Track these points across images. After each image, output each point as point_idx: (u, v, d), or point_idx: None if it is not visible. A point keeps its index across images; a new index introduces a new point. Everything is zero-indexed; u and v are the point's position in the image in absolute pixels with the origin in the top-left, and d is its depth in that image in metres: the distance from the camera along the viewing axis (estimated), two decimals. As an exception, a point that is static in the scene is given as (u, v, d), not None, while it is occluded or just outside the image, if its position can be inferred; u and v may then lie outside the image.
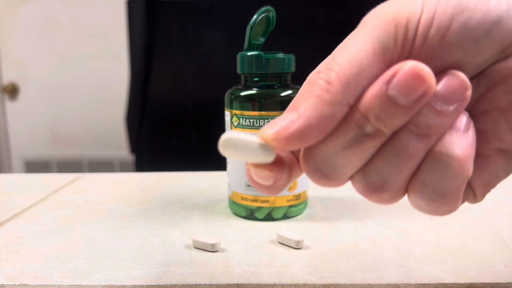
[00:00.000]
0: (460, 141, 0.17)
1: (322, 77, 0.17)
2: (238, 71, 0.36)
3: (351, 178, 0.19)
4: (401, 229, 0.35)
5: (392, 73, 0.16)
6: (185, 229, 0.35)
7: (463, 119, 0.18)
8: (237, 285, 0.26)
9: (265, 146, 0.19)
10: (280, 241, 0.32)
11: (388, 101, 0.16)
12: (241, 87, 0.36)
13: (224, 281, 0.27)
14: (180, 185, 0.48)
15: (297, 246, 0.31)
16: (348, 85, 0.17)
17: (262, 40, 0.36)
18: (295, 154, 0.21)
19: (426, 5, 0.17)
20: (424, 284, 0.26)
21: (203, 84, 0.64)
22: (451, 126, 0.17)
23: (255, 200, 0.36)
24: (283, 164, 0.20)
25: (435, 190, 0.18)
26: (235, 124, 0.36)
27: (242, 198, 0.37)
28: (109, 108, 1.59)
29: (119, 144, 1.49)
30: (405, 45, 0.17)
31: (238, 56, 0.36)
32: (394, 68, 0.17)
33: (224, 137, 0.19)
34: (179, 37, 0.63)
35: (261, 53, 0.34)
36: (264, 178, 0.19)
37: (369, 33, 0.17)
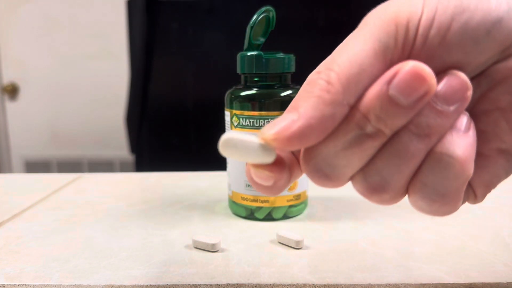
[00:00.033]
0: (461, 142, 0.17)
1: (322, 77, 0.17)
2: (238, 71, 0.36)
3: (351, 178, 0.19)
4: (401, 229, 0.35)
5: (393, 73, 0.16)
6: (185, 229, 0.35)
7: (463, 119, 0.18)
8: (237, 285, 0.26)
9: (265, 147, 0.18)
10: (280, 241, 0.32)
11: (388, 101, 0.16)
12: (241, 87, 0.36)
13: (224, 281, 0.27)
14: (180, 185, 0.48)
15: (297, 246, 0.31)
16: (349, 85, 0.17)
17: (262, 40, 0.36)
18: (295, 154, 0.21)
19: (426, 5, 0.17)
20: (424, 284, 0.26)
21: (203, 84, 0.64)
22: (451, 126, 0.17)
23: (255, 200, 0.36)
24: (283, 165, 0.20)
25: (436, 190, 0.18)
26: (235, 124, 0.36)
27: (242, 198, 0.37)
28: (109, 108, 1.59)
29: (119, 144, 1.49)
30: (405, 45, 0.17)
31: (238, 56, 0.36)
32: (394, 68, 0.17)
33: (224, 137, 0.19)
34: (179, 37, 0.64)
35: (261, 53, 0.34)
36: (264, 178, 0.19)
37: (369, 33, 0.17)
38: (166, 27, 0.64)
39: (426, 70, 0.16)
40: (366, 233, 0.34)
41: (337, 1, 0.61)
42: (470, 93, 0.17)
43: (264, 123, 0.35)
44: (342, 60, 0.17)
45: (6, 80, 1.67)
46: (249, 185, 0.36)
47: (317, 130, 0.17)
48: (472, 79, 0.18)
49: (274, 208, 0.36)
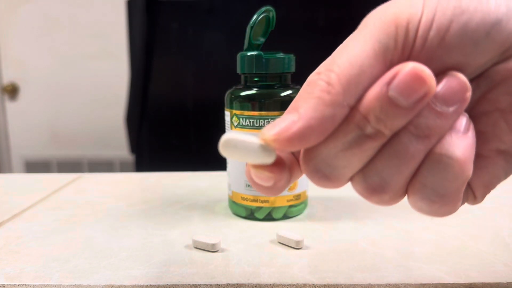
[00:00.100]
0: (460, 142, 0.17)
1: (322, 78, 0.17)
2: (238, 71, 0.37)
3: (351, 179, 0.19)
4: (401, 229, 0.35)
5: (393, 74, 0.16)
6: (185, 229, 0.35)
7: (463, 121, 0.18)
8: (237, 285, 0.26)
9: (265, 147, 0.19)
10: (280, 241, 0.32)
11: (388, 102, 0.16)
12: (241, 87, 0.37)
13: (224, 281, 0.27)
14: (180, 185, 0.48)
15: (297, 246, 0.31)
16: (349, 86, 0.17)
17: (262, 40, 0.36)
18: (295, 155, 0.21)
19: (426, 7, 0.17)
20: (424, 284, 0.26)
21: (203, 84, 0.64)
22: (451, 128, 0.18)
23: (255, 200, 0.36)
24: (284, 165, 0.20)
25: (435, 191, 0.18)
26: (235, 124, 0.36)
27: (242, 198, 0.37)
28: (109, 108, 1.59)
29: (119, 144, 1.49)
30: (405, 46, 0.17)
31: (238, 56, 0.36)
32: (394, 69, 0.17)
33: (224, 137, 0.19)
34: (179, 37, 0.64)
35: (261, 53, 0.34)
36: (264, 179, 0.19)
37: (369, 34, 0.17)
38: (166, 27, 0.64)
39: (426, 71, 0.16)
40: (366, 233, 0.34)
41: (337, 1, 0.61)
42: (469, 94, 0.17)
43: (264, 123, 0.35)
44: (342, 61, 0.17)
45: (6, 80, 1.67)
46: (249, 185, 0.36)
47: (317, 131, 0.17)
48: (471, 80, 0.18)
49: (274, 208, 0.36)
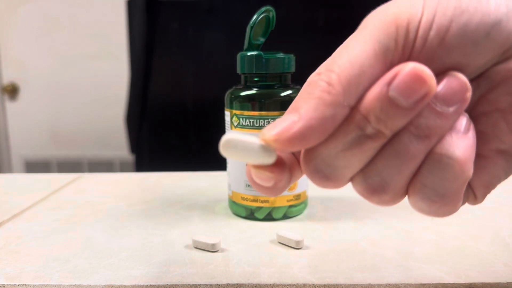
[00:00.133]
0: (460, 143, 0.17)
1: (323, 78, 0.17)
2: (238, 71, 0.37)
3: (351, 179, 0.19)
4: (401, 229, 0.35)
5: (393, 75, 0.16)
6: (185, 229, 0.35)
7: (463, 121, 0.18)
8: (237, 285, 0.26)
9: (266, 148, 0.19)
10: (280, 241, 0.32)
11: (389, 102, 0.16)
12: (241, 87, 0.37)
13: (224, 281, 0.27)
14: (180, 185, 0.48)
15: (297, 246, 0.31)
16: (349, 86, 0.17)
17: (262, 40, 0.36)
18: (295, 155, 0.21)
19: (426, 7, 0.17)
20: (424, 284, 0.26)
21: (203, 84, 0.64)
22: (451, 128, 0.18)
23: (255, 200, 0.36)
24: (284, 166, 0.20)
25: (436, 191, 0.18)
26: (235, 124, 0.36)
27: (242, 198, 0.37)
28: (109, 108, 1.59)
29: (119, 144, 1.49)
30: (405, 46, 0.17)
31: (238, 56, 0.36)
32: (395, 70, 0.17)
33: (225, 138, 0.19)
34: (179, 37, 0.63)
35: (261, 53, 0.34)
36: (265, 179, 0.19)
37: (369, 35, 0.17)
38: (166, 27, 0.64)
39: (426, 72, 0.16)
40: (366, 233, 0.34)
41: (337, 1, 0.61)
42: (469, 94, 0.17)
43: (264, 123, 0.35)
44: (343, 61, 0.17)
45: (6, 80, 1.67)
46: (249, 185, 0.36)
47: (318, 131, 0.17)
48: (471, 80, 0.18)
49: (274, 208, 0.36)
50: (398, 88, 0.16)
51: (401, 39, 0.17)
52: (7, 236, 0.34)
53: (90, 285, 0.27)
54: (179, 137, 0.66)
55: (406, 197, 0.19)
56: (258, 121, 0.35)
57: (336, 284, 0.26)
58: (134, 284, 0.27)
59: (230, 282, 0.27)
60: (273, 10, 0.35)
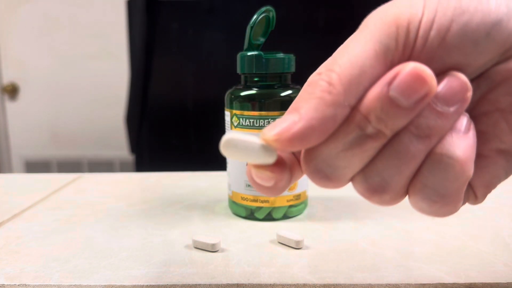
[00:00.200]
0: (461, 142, 0.17)
1: (323, 78, 0.17)
2: (238, 71, 0.37)
3: (352, 179, 0.19)
4: (401, 229, 0.35)
5: (394, 75, 0.16)
6: (185, 229, 0.35)
7: (463, 121, 0.18)
8: (237, 285, 0.26)
9: (266, 147, 0.19)
10: (280, 241, 0.32)
11: (389, 102, 0.16)
12: (241, 87, 0.37)
13: (224, 281, 0.27)
14: (180, 185, 0.48)
15: (297, 246, 0.31)
16: (350, 86, 0.17)
17: (262, 40, 0.36)
18: (296, 155, 0.21)
19: (427, 7, 0.17)
20: (424, 284, 0.26)
21: (203, 84, 0.64)
22: (451, 128, 0.18)
23: (255, 200, 0.36)
24: (284, 165, 0.20)
25: (436, 191, 0.18)
26: (235, 124, 0.36)
27: (242, 198, 0.37)
28: (109, 108, 1.59)
29: (119, 144, 1.49)
30: (406, 46, 0.17)
31: (238, 56, 0.36)
32: (395, 70, 0.17)
33: (225, 138, 0.19)
34: (179, 37, 0.64)
35: (261, 53, 0.34)
36: (265, 179, 0.19)
37: (370, 35, 0.17)
38: (166, 27, 0.64)
39: (427, 72, 0.16)
40: (366, 233, 0.34)
41: (337, 1, 0.61)
42: (470, 94, 0.17)
43: (264, 123, 0.35)
44: (343, 61, 0.17)
45: (6, 80, 1.67)
46: (249, 185, 0.36)
47: (318, 131, 0.17)
48: (472, 80, 0.18)
49: (274, 208, 0.36)
50: (399, 88, 0.16)
51: (401, 39, 0.17)
52: (7, 236, 0.34)
53: (90, 285, 0.27)
54: (179, 137, 0.66)
55: (407, 197, 0.19)
56: (258, 121, 0.35)
57: (336, 284, 0.26)
58: (134, 284, 0.27)
59: (230, 282, 0.27)
60: (273, 10, 0.35)
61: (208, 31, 0.62)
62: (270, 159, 0.19)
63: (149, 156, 0.70)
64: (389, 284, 0.26)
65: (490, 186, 0.20)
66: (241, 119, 0.35)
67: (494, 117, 0.19)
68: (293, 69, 0.36)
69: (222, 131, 0.37)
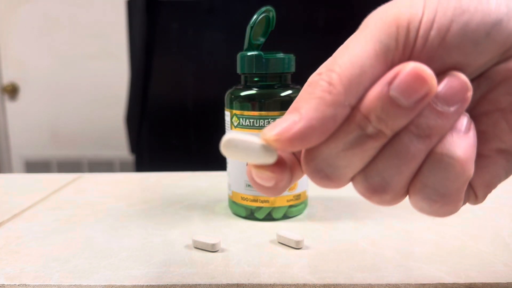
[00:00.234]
0: (461, 142, 0.17)
1: (323, 78, 0.17)
2: (238, 71, 0.37)
3: (352, 179, 0.19)
4: (401, 229, 0.35)
5: (394, 74, 0.16)
6: (185, 229, 0.35)
7: (464, 120, 0.18)
8: (237, 285, 0.26)
9: (266, 147, 0.19)
10: (280, 241, 0.32)
11: (389, 102, 0.17)
12: (241, 87, 0.37)
13: (224, 281, 0.27)
14: (180, 185, 0.48)
15: (297, 246, 0.31)
16: (350, 86, 0.17)
17: (262, 40, 0.36)
18: (296, 155, 0.21)
19: (427, 7, 0.17)
20: (424, 284, 0.26)
21: (203, 84, 0.64)
22: (452, 127, 0.18)
23: (255, 200, 0.36)
24: (285, 165, 0.20)
25: (436, 191, 0.18)
26: (235, 124, 0.36)
27: (242, 198, 0.37)
28: (109, 108, 1.59)
29: (119, 144, 1.49)
30: (406, 46, 0.17)
31: (238, 56, 0.36)
32: (395, 69, 0.17)
33: (225, 138, 0.19)
34: (179, 37, 0.64)
35: (261, 53, 0.34)
36: (266, 179, 0.19)
37: (370, 35, 0.17)
38: (166, 27, 0.64)
39: (427, 71, 0.16)
40: (366, 233, 0.34)
41: (337, 1, 0.61)
42: (470, 94, 0.17)
43: (264, 123, 0.35)
44: (343, 61, 0.17)
45: (6, 80, 1.67)
46: (249, 185, 0.36)
47: (319, 131, 0.17)
48: (472, 80, 0.18)
49: (274, 208, 0.36)
50: (399, 88, 0.16)
51: (401, 39, 0.17)
52: (7, 236, 0.34)
53: (90, 285, 0.27)
54: (179, 137, 0.66)
55: (407, 197, 0.19)
56: (258, 121, 0.35)
57: (336, 284, 0.26)
58: (134, 284, 0.27)
59: (230, 282, 0.27)
60: (273, 10, 0.35)
61: (208, 31, 0.62)
62: (271, 159, 0.19)
63: (149, 156, 0.70)
64: (389, 284, 0.26)
65: (490, 186, 0.20)
66: (241, 119, 0.35)
67: (494, 117, 0.19)
68: (293, 69, 0.36)
69: (222, 131, 0.37)
